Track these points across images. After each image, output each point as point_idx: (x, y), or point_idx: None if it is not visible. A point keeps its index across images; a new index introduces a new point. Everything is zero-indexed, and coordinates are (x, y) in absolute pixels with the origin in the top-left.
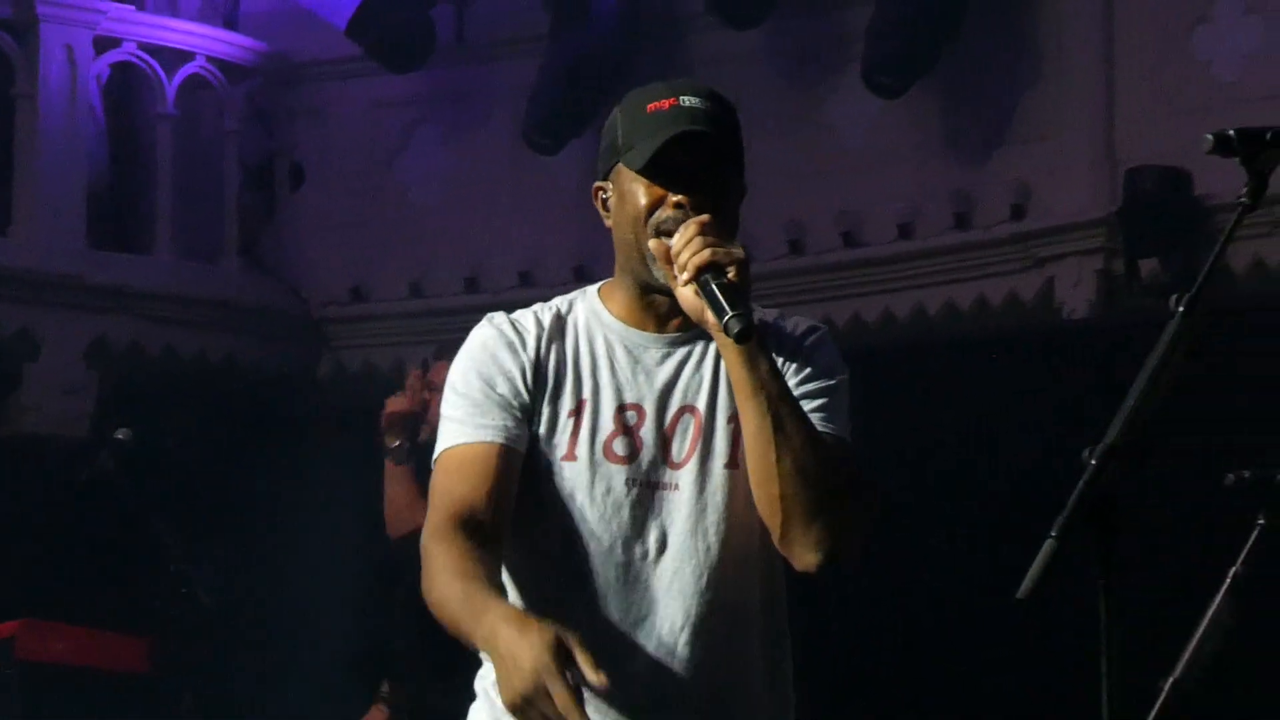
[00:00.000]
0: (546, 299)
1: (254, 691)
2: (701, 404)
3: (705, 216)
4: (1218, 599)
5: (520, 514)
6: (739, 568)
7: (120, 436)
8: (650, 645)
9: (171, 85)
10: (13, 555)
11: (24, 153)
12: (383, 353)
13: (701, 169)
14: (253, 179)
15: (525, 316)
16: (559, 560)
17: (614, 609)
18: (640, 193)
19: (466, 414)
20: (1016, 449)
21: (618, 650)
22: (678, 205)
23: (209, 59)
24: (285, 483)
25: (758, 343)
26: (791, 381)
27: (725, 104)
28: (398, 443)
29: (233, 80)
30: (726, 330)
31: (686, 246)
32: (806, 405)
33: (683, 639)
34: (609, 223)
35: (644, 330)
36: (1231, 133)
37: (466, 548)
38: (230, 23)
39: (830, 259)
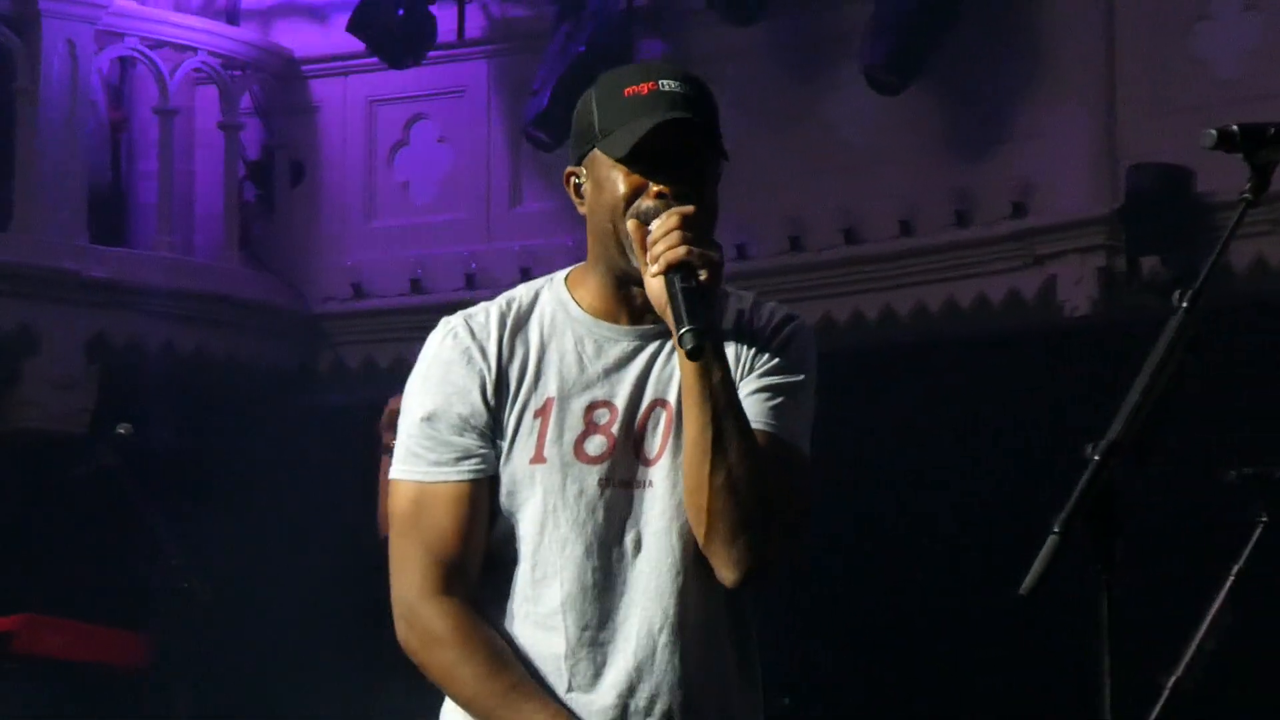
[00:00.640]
0: None
1: (252, 687)
2: (672, 397)
3: (689, 208)
4: (1219, 597)
5: (496, 524)
6: (709, 565)
7: (120, 431)
8: (628, 650)
9: (172, 80)
10: (12, 550)
11: (24, 148)
12: (383, 349)
13: (683, 156)
14: (253, 174)
15: (483, 316)
16: (531, 567)
17: (589, 614)
18: (619, 181)
19: (430, 447)
20: (1017, 446)
21: (594, 656)
22: (659, 195)
23: (210, 54)
24: (285, 479)
25: (713, 350)
26: (754, 374)
27: (703, 87)
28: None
29: (233, 75)
30: (680, 342)
31: (664, 238)
32: (761, 401)
33: (662, 640)
34: (583, 209)
35: (615, 323)
36: (1235, 128)
37: (478, 628)
38: (231, 18)
39: (831, 256)
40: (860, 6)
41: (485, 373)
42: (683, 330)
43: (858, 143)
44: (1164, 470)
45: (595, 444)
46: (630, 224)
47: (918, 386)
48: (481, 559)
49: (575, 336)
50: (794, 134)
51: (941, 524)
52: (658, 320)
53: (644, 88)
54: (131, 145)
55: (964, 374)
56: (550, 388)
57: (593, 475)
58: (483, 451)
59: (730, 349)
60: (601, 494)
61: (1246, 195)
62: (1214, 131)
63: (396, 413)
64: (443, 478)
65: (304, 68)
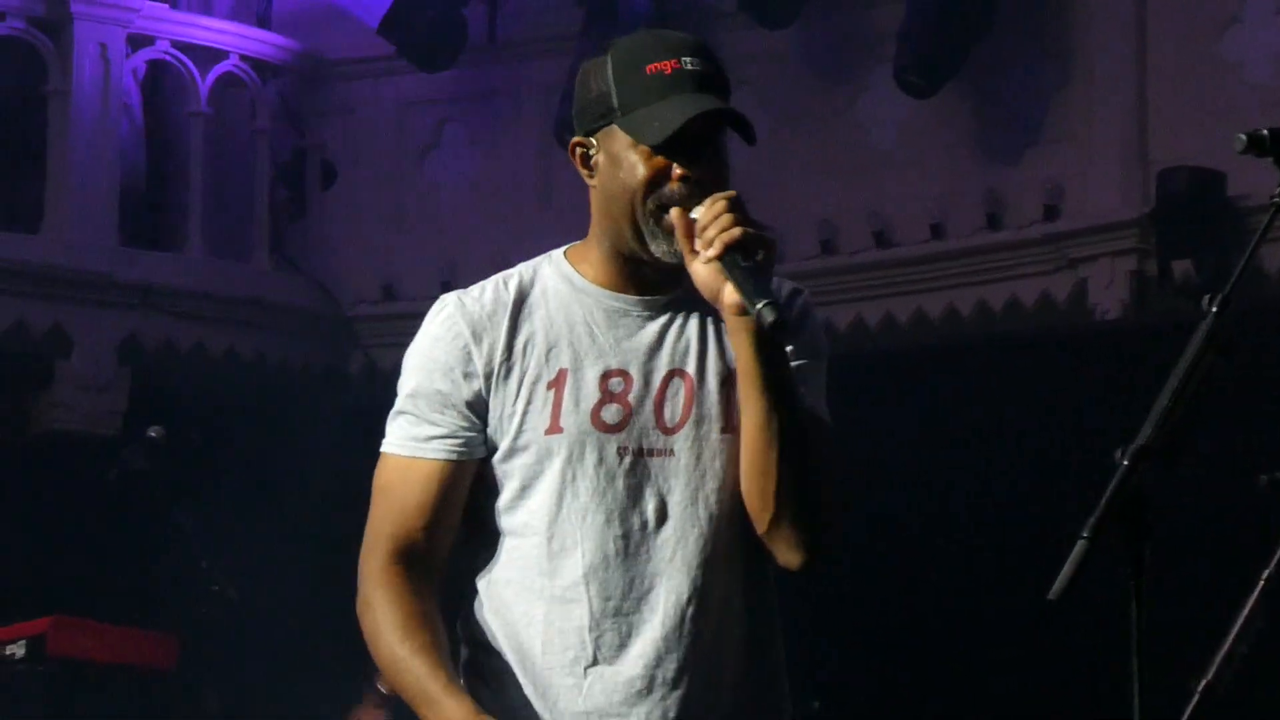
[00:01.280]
0: None
1: (280, 688)
2: (691, 367)
3: (733, 192)
4: (1250, 601)
5: (506, 496)
6: (738, 538)
7: (152, 434)
8: (655, 620)
9: (204, 83)
10: (44, 552)
11: (57, 151)
12: None
13: (705, 140)
14: (284, 177)
15: (485, 292)
16: (549, 539)
17: (614, 585)
18: (639, 164)
19: (413, 421)
20: (1048, 449)
21: (619, 628)
22: (683, 179)
23: (242, 57)
24: (315, 481)
25: (789, 328)
26: None
27: (717, 61)
28: None
29: (265, 78)
30: (759, 319)
31: (715, 222)
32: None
33: (690, 612)
34: (591, 182)
35: (624, 294)
36: (1265, 132)
37: (409, 596)
38: (263, 21)
39: (862, 259)
40: (892, 10)
41: (473, 350)
42: (760, 304)
43: (889, 146)
44: (1195, 474)
45: (612, 412)
46: (675, 213)
47: (949, 389)
48: (450, 539)
49: (584, 308)
50: (825, 137)
51: (973, 526)
52: (667, 292)
53: (666, 66)
54: (164, 148)
55: (995, 377)
56: (563, 359)
57: (612, 443)
58: (464, 433)
59: None
60: (621, 461)
61: (1277, 199)
62: (1244, 136)
63: None
64: (417, 453)
65: (335, 70)
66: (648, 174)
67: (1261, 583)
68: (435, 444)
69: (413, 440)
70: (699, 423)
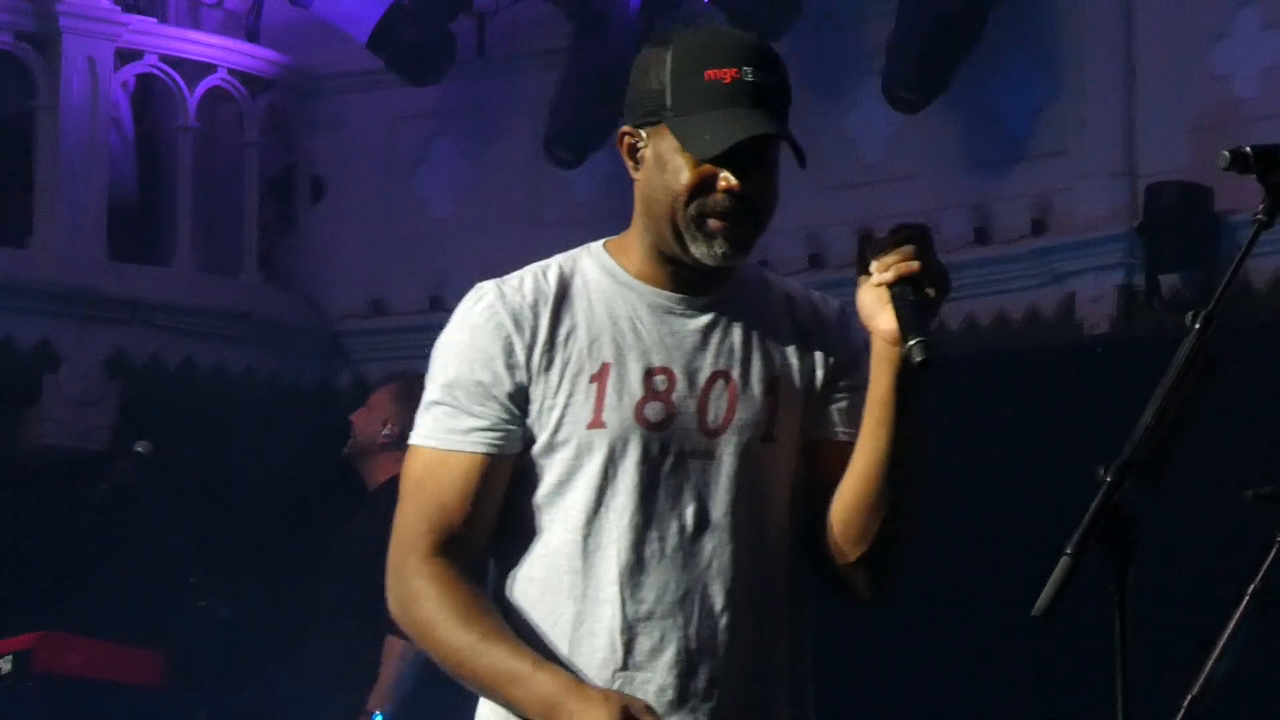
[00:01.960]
0: None
1: (269, 706)
2: (735, 371)
3: (927, 228)
4: (1236, 616)
5: (542, 491)
6: (777, 550)
7: (139, 449)
8: (689, 629)
9: (193, 97)
10: (31, 567)
11: (45, 165)
12: (403, 366)
13: (760, 156)
14: (273, 191)
15: (525, 282)
16: (584, 536)
17: (646, 588)
18: (684, 169)
19: (450, 412)
20: (1035, 465)
21: (651, 632)
22: (728, 191)
23: (230, 71)
24: (304, 497)
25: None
26: (846, 377)
27: (782, 72)
28: None
29: (254, 92)
30: (908, 355)
31: (899, 250)
32: (854, 403)
33: (723, 623)
34: (635, 175)
35: (667, 290)
36: (1248, 149)
37: (461, 585)
38: (252, 35)
39: (850, 272)
40: (880, 24)
41: (515, 340)
42: (913, 341)
43: (877, 160)
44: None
45: (656, 409)
46: (864, 234)
47: (937, 403)
48: (488, 536)
49: (627, 302)
50: (813, 150)
51: (958, 541)
52: (710, 292)
53: (726, 74)
54: (153, 162)
55: (982, 391)
56: (605, 352)
57: (655, 442)
58: (504, 425)
59: (797, 343)
60: (663, 461)
61: (1260, 216)
62: (1227, 153)
63: (365, 423)
64: (455, 447)
65: (324, 85)
66: (692, 181)
67: (1247, 598)
68: (475, 436)
69: (450, 432)
70: (741, 429)
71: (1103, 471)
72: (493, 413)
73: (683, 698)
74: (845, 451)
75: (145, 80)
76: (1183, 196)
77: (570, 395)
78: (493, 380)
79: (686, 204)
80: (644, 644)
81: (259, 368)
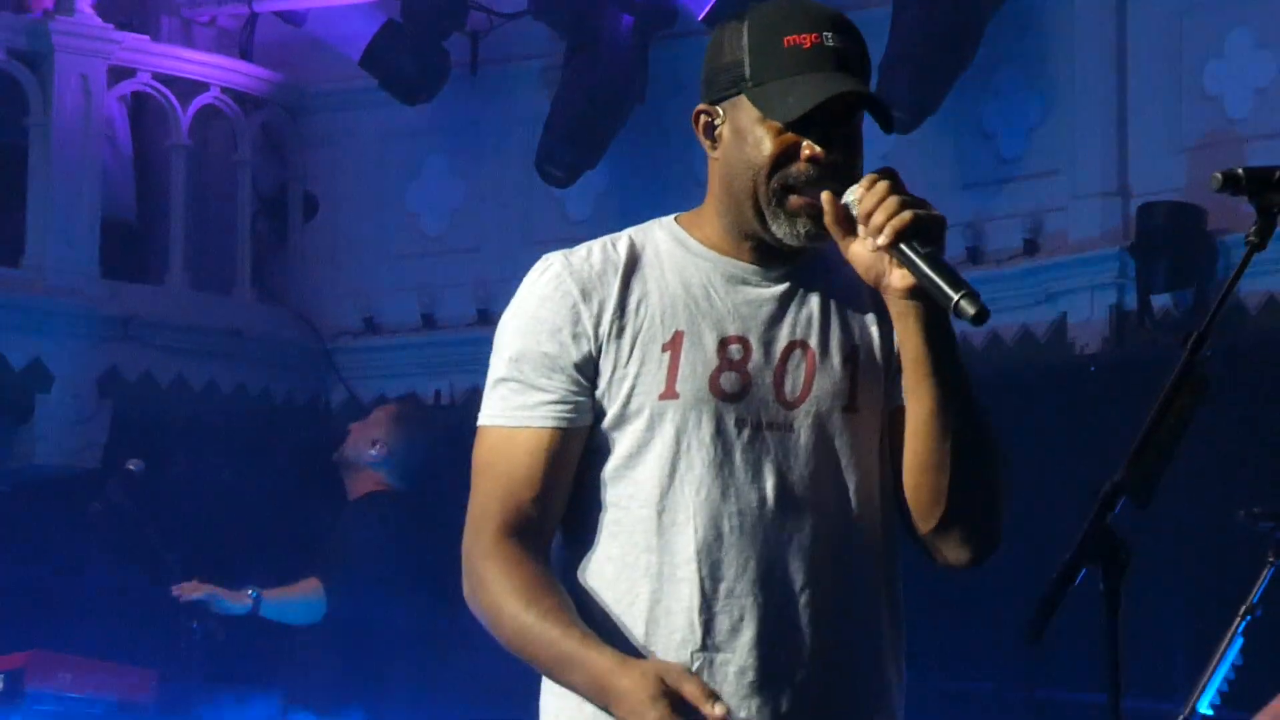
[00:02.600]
0: None
1: None
2: (814, 340)
3: (892, 170)
4: (1230, 633)
5: (612, 464)
6: (864, 525)
7: (131, 467)
8: (768, 607)
9: (185, 115)
10: (23, 585)
11: (38, 183)
12: (395, 383)
13: (840, 123)
14: (266, 209)
15: (593, 252)
16: (659, 512)
17: (725, 565)
18: (766, 139)
19: (517, 388)
20: (1027, 484)
21: (730, 611)
22: (812, 160)
23: (223, 89)
24: (295, 513)
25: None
26: (889, 336)
27: (860, 39)
28: None
29: (246, 110)
30: (957, 310)
31: (882, 206)
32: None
33: (803, 600)
34: (713, 153)
35: (741, 260)
36: (1240, 171)
37: (526, 563)
38: (244, 53)
39: None
40: (872, 43)
41: (582, 309)
42: (960, 295)
43: None
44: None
45: (731, 380)
46: (826, 195)
47: None
48: (560, 513)
49: (700, 271)
50: None
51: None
52: (786, 262)
53: (805, 40)
54: (146, 180)
55: None
56: (679, 320)
57: (730, 413)
58: (573, 398)
59: (876, 312)
60: (740, 433)
61: (1252, 238)
62: (1219, 175)
63: (359, 437)
64: (523, 423)
65: (317, 102)
66: (775, 151)
67: (1239, 619)
68: (544, 410)
69: (519, 409)
70: (821, 399)
71: (1095, 492)
72: (560, 385)
73: (764, 680)
74: None
75: (138, 98)
76: (1175, 217)
77: (642, 364)
78: (559, 351)
79: (769, 177)
80: (723, 623)
81: (251, 385)
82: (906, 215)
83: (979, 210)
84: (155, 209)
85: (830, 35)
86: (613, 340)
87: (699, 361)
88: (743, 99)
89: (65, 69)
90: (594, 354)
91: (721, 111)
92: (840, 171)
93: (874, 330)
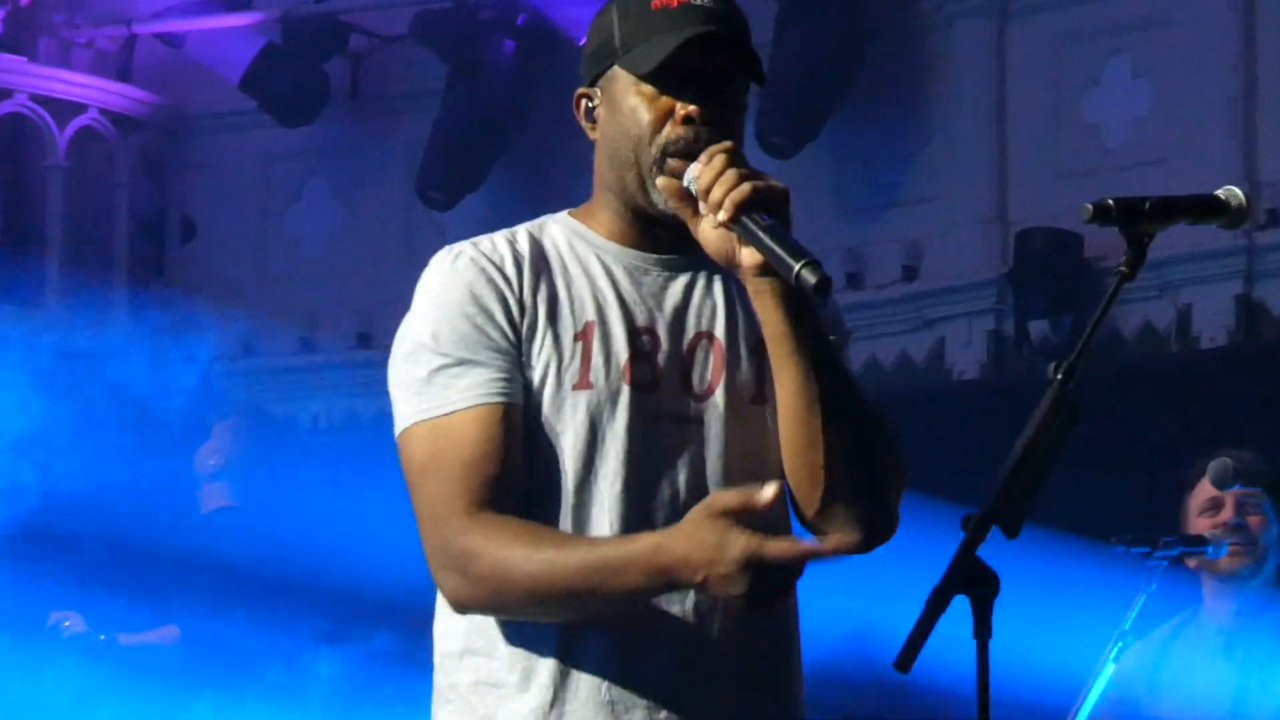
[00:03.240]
0: None
1: None
2: (720, 331)
3: (729, 143)
4: (1104, 660)
5: (526, 457)
6: (774, 517)
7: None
8: (683, 606)
9: (63, 137)
10: None
11: None
12: (273, 407)
13: (715, 78)
14: (144, 232)
15: (497, 243)
16: (573, 507)
17: None
18: (643, 106)
19: (456, 373)
20: (903, 509)
21: (642, 610)
22: (687, 119)
23: (101, 111)
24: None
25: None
26: None
27: (736, 5)
28: None
29: (124, 132)
30: (799, 281)
31: (719, 181)
32: None
33: (721, 602)
34: (594, 135)
35: (640, 250)
36: (1110, 202)
37: (510, 521)
38: (123, 75)
39: None
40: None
41: (507, 293)
42: (800, 265)
43: None
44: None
45: (643, 371)
46: (661, 181)
47: None
48: (519, 490)
49: (603, 263)
50: None
51: (825, 585)
52: (685, 250)
53: (673, 0)
54: (21, 202)
55: None
56: (588, 311)
57: (643, 404)
58: (514, 374)
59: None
60: (653, 426)
61: (1123, 269)
62: (1090, 206)
63: (202, 453)
64: (470, 402)
65: (197, 125)
66: (653, 116)
67: (1114, 643)
68: (491, 386)
69: (465, 392)
70: (729, 391)
71: (965, 520)
72: (500, 362)
73: (663, 689)
74: None
75: (15, 119)
76: (1052, 243)
77: (555, 354)
78: (493, 330)
79: (649, 144)
80: (626, 624)
81: (129, 408)
82: (745, 188)
83: (858, 236)
84: (30, 231)
85: None
86: (526, 330)
87: (612, 351)
88: (616, 70)
89: None
90: (515, 341)
91: (599, 91)
92: (719, 132)
93: None
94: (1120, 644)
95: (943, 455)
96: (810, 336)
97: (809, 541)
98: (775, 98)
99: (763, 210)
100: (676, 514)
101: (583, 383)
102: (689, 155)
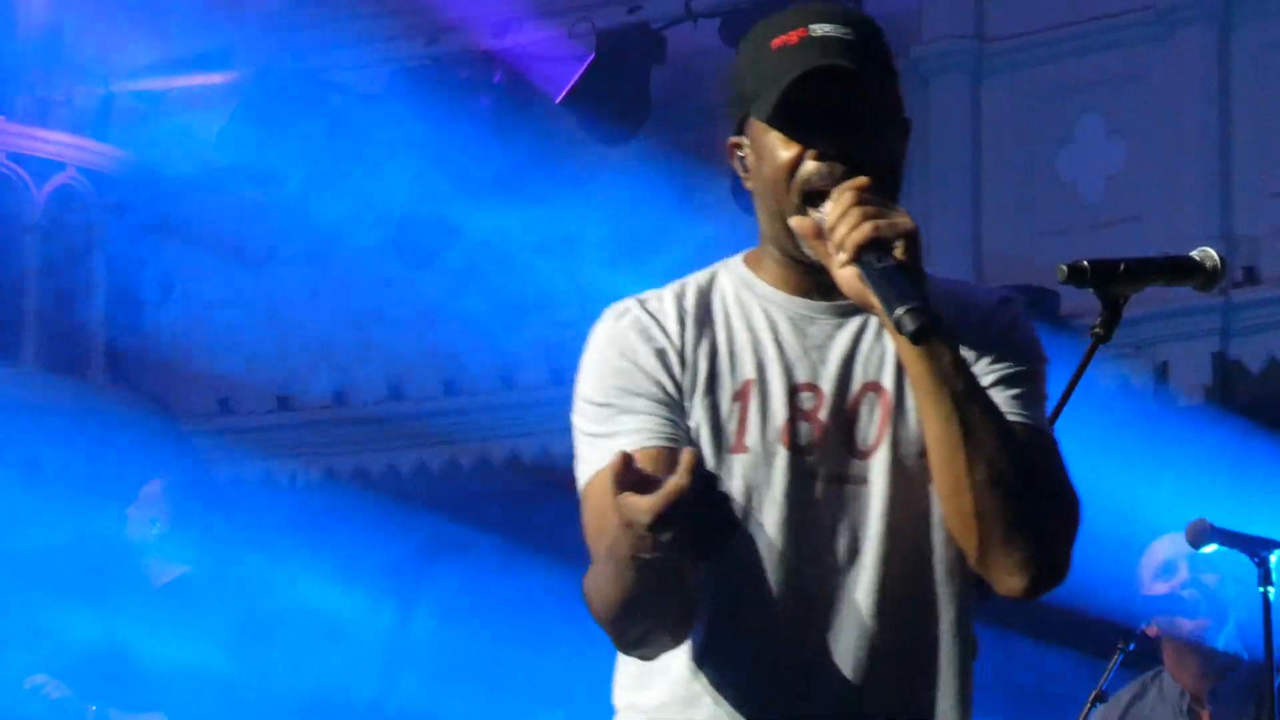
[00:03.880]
0: (417, 414)
1: None
2: (888, 381)
3: (862, 180)
4: (1083, 715)
5: None
6: (942, 580)
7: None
8: (844, 671)
9: (41, 195)
10: None
11: None
12: (252, 466)
13: (842, 111)
14: (121, 290)
15: (659, 298)
16: (731, 575)
17: (798, 629)
18: (777, 149)
19: (606, 428)
20: None
21: (799, 678)
22: (819, 158)
23: (79, 169)
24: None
25: (937, 329)
26: (980, 365)
27: (868, 26)
28: None
29: (102, 191)
30: (899, 327)
31: (842, 220)
32: (1000, 391)
33: (881, 665)
34: (749, 185)
35: (808, 299)
36: (1085, 264)
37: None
38: (101, 133)
39: None
40: (725, 126)
41: (670, 350)
42: (899, 312)
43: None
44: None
45: (803, 431)
46: (795, 221)
47: None
48: None
49: (767, 315)
50: (669, 255)
51: None
52: None
53: (794, 35)
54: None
55: None
56: (747, 369)
57: (802, 467)
58: (672, 426)
59: (962, 341)
60: (813, 488)
61: (1097, 330)
62: (1065, 266)
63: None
64: (641, 445)
65: (174, 183)
66: (787, 159)
67: (1091, 702)
68: (645, 434)
69: (613, 439)
70: (895, 445)
71: None
72: (663, 413)
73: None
74: None
75: None
76: (1027, 301)
77: (711, 419)
78: (654, 385)
79: (788, 189)
80: (796, 684)
81: (105, 467)
82: (866, 228)
83: None
84: (7, 290)
85: (819, 26)
86: (687, 386)
87: (769, 412)
88: (750, 116)
89: None
90: (677, 394)
91: (746, 139)
92: (856, 168)
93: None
94: (1096, 705)
95: None
96: (948, 376)
97: (673, 478)
98: None
99: (886, 249)
100: (839, 581)
101: (738, 446)
102: (825, 196)
